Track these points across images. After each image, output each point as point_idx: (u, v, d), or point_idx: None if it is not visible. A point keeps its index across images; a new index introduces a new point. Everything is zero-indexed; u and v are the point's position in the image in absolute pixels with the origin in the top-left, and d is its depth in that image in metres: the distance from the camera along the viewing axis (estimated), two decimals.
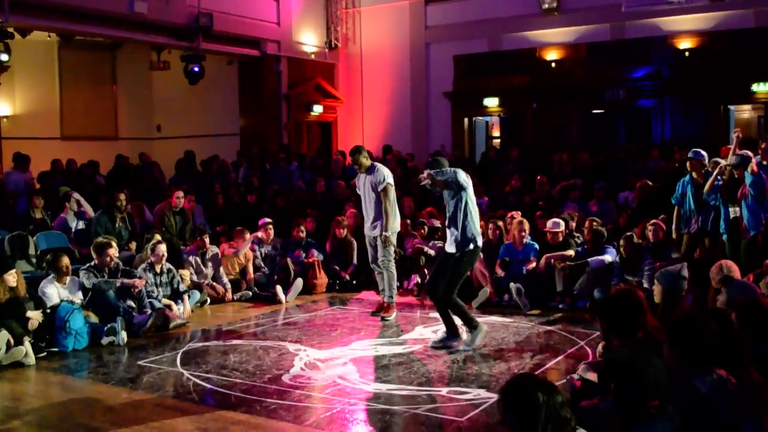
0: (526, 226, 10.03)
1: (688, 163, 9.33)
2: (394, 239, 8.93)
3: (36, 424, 5.59)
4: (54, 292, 8.19)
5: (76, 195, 11.29)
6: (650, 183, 11.04)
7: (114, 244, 8.92)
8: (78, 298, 8.37)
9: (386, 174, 8.75)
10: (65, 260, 8.43)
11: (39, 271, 9.52)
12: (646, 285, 8.53)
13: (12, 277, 7.60)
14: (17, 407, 6.03)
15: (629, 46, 16.03)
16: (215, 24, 15.68)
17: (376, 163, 9.01)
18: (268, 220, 11.28)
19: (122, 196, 10.73)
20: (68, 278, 8.46)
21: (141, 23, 14.95)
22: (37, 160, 13.88)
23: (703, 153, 9.30)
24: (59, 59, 17.92)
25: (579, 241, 10.01)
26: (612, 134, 16.64)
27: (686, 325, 3.82)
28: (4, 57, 13.86)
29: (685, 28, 15.41)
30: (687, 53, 15.33)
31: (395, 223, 8.87)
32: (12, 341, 7.11)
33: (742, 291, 5.67)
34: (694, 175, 9.19)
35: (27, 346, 7.18)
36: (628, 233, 9.40)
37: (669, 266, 6.42)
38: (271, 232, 11.14)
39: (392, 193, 8.79)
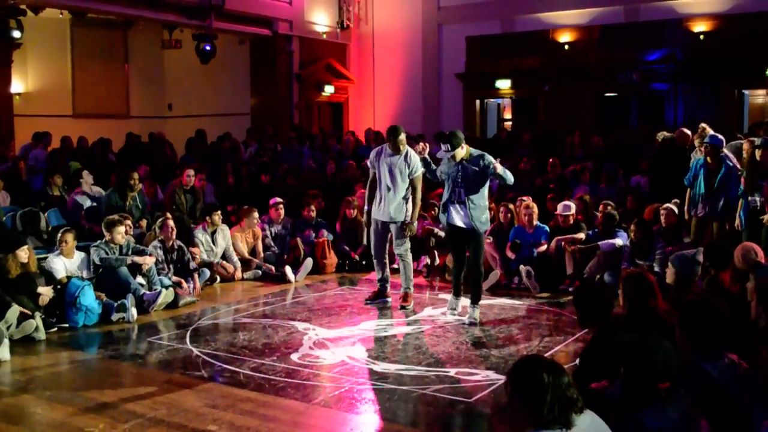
0: (535, 209, 9.98)
1: (705, 147, 9.11)
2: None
3: (46, 398, 5.62)
4: (61, 266, 8.27)
5: (89, 178, 11.36)
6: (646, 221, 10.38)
7: (127, 221, 8.99)
8: (86, 273, 8.41)
9: (419, 161, 8.30)
10: (68, 236, 8.48)
11: (50, 248, 9.57)
12: (657, 269, 8.48)
13: (24, 253, 7.62)
14: (28, 381, 6.06)
15: (643, 29, 15.89)
16: (227, 3, 15.66)
17: (409, 148, 8.51)
18: (279, 199, 11.27)
19: (135, 175, 10.74)
20: (75, 253, 8.52)
21: (153, 1, 14.96)
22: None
23: (721, 138, 9.13)
24: (71, 37, 17.95)
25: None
26: (625, 117, 16.54)
27: (698, 308, 3.80)
28: (17, 34, 13.90)
29: (700, 11, 15.27)
30: (701, 36, 15.20)
31: (415, 221, 8.59)
32: (28, 313, 7.15)
33: None
34: (708, 159, 9.05)
35: (38, 320, 7.21)
36: (641, 217, 9.34)
37: (682, 250, 6.41)
38: (282, 211, 11.14)
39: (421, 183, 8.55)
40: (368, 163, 8.68)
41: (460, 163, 7.61)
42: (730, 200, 8.87)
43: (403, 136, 8.32)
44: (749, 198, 8.56)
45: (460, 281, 8.06)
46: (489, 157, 7.62)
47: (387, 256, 8.72)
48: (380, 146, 8.71)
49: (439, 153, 7.70)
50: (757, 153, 8.50)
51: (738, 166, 8.96)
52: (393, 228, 8.46)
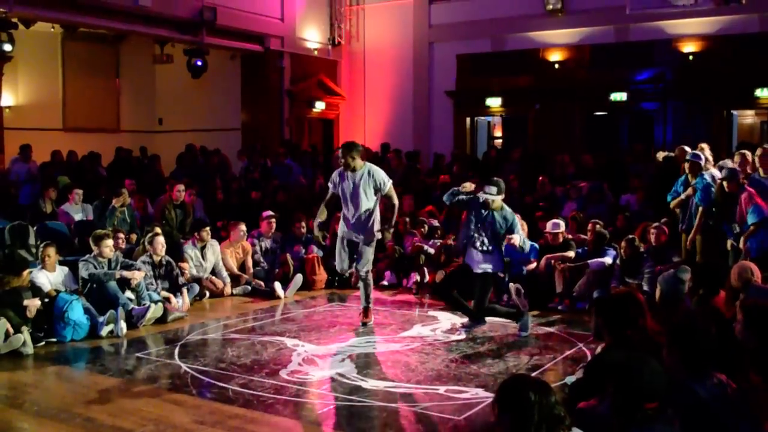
0: (524, 227, 10.01)
1: (686, 165, 9.13)
2: (374, 245, 8.46)
3: (33, 413, 5.59)
4: (45, 280, 8.27)
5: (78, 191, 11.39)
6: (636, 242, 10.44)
7: (120, 235, 9.11)
8: (69, 287, 8.42)
9: (384, 175, 8.28)
10: (50, 250, 8.49)
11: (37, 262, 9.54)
12: (646, 288, 8.53)
13: (27, 274, 7.79)
14: (15, 396, 6.03)
15: (633, 49, 16.00)
16: (219, 18, 15.68)
17: (369, 164, 8.42)
18: (272, 213, 11.28)
19: (124, 190, 10.77)
20: (57, 267, 8.53)
21: (145, 16, 14.95)
22: (40, 150, 13.92)
23: (702, 156, 9.16)
24: (63, 51, 17.91)
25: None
26: (614, 136, 16.62)
27: (686, 328, 3.82)
28: (8, 47, 13.89)
29: (689, 32, 15.39)
30: (691, 57, 15.31)
31: (377, 225, 8.36)
32: (11, 330, 7.12)
33: (761, 296, 5.59)
34: (690, 177, 9.05)
35: (26, 335, 7.19)
36: (630, 236, 9.38)
37: (670, 269, 6.43)
38: (274, 224, 11.15)
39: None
40: (330, 183, 8.50)
41: (493, 213, 7.75)
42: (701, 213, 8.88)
43: (356, 153, 8.16)
44: (726, 227, 8.61)
45: (461, 301, 8.12)
46: (516, 223, 7.86)
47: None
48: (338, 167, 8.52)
49: (481, 194, 7.78)
50: (725, 184, 8.56)
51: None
52: (359, 247, 8.31)
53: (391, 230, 8.49)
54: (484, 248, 7.76)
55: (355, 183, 8.17)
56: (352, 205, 8.20)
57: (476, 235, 7.78)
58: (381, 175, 8.21)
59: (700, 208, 8.80)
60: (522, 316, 8.02)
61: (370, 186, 8.16)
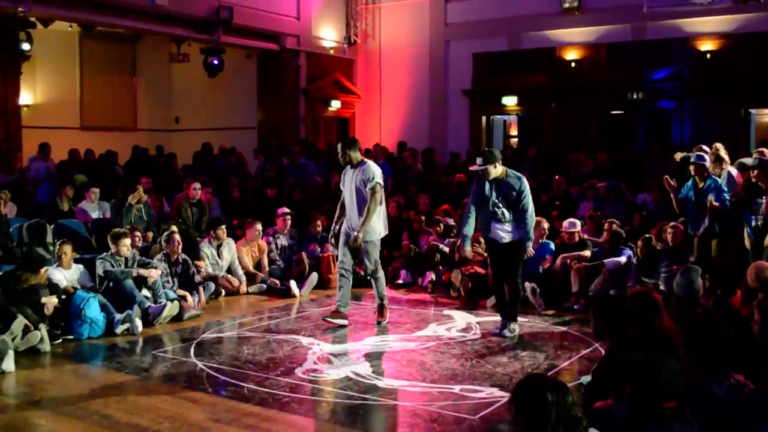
0: (545, 225, 10.05)
1: (691, 167, 8.87)
2: (375, 244, 8.27)
3: (51, 410, 5.63)
4: (61, 277, 8.32)
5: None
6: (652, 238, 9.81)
7: (136, 233, 9.18)
8: (85, 284, 8.48)
9: (376, 172, 8.12)
10: (66, 247, 8.55)
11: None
12: (662, 287, 8.48)
13: (45, 271, 7.86)
14: (32, 393, 6.07)
15: (650, 47, 15.90)
16: (235, 17, 15.72)
17: (366, 159, 8.39)
18: (287, 210, 11.29)
19: (140, 187, 10.83)
20: (73, 265, 8.59)
21: (162, 15, 15.02)
22: (57, 149, 14.02)
23: (707, 157, 9.03)
24: (80, 50, 18.01)
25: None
26: (631, 135, 16.53)
27: (703, 329, 3.79)
28: (26, 46, 14.00)
29: (707, 30, 15.28)
30: (708, 55, 15.20)
31: (377, 225, 8.20)
32: (31, 326, 7.17)
33: None
34: (697, 179, 8.79)
35: (43, 332, 7.23)
36: (647, 235, 9.32)
37: (684, 270, 6.37)
38: (289, 221, 11.17)
39: (380, 194, 8.15)
40: (340, 184, 8.53)
41: (499, 182, 7.72)
42: (716, 215, 8.75)
43: (353, 148, 8.15)
44: (748, 216, 8.51)
45: (505, 300, 8.04)
46: (525, 188, 7.79)
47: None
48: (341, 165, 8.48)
49: (471, 167, 7.79)
50: (752, 174, 8.45)
51: (734, 183, 8.88)
52: (361, 245, 8.19)
53: (360, 236, 8.05)
54: (505, 218, 7.73)
55: (352, 179, 8.15)
56: (350, 201, 8.19)
57: (494, 209, 7.75)
58: (372, 170, 8.07)
59: (713, 208, 8.64)
60: (513, 322, 7.93)
61: (363, 181, 8.07)
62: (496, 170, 7.70)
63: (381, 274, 8.50)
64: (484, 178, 7.73)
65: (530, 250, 7.98)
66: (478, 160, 7.74)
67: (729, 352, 3.67)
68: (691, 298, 5.76)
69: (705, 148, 9.78)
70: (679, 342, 3.90)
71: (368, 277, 8.50)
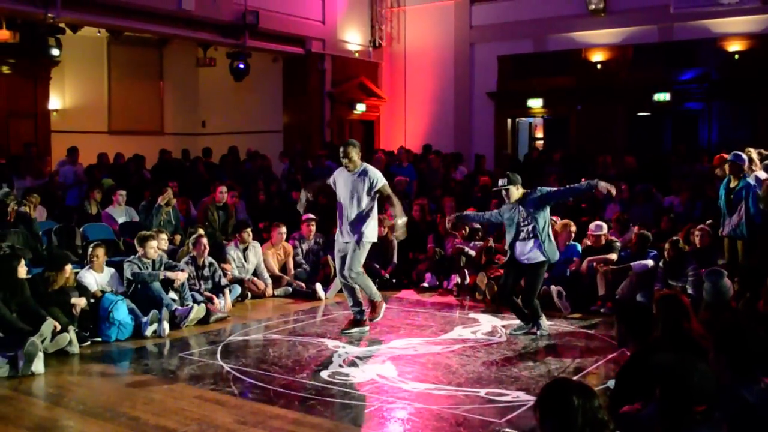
0: (573, 228, 10.01)
1: (727, 166, 8.91)
2: (368, 246, 8.06)
3: (79, 412, 5.68)
4: (92, 280, 8.38)
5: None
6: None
7: (163, 236, 9.21)
8: (116, 288, 8.54)
9: (378, 175, 7.98)
10: (99, 250, 8.61)
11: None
12: (690, 290, 8.40)
13: (70, 269, 7.91)
14: (61, 395, 6.14)
15: (677, 48, 15.79)
16: (261, 22, 15.82)
17: (366, 164, 8.17)
18: (312, 215, 11.31)
19: (168, 189, 10.93)
20: (105, 268, 8.65)
21: (188, 20, 15.15)
22: (85, 153, 14.16)
23: (744, 157, 8.98)
24: (108, 55, 18.22)
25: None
26: (658, 137, 16.41)
27: (733, 332, 3.75)
28: (56, 52, 14.21)
29: (734, 31, 15.13)
30: (736, 56, 15.05)
31: (375, 228, 8.11)
32: (58, 326, 7.23)
33: None
34: (731, 178, 8.87)
35: (72, 334, 7.30)
36: (674, 237, 9.24)
37: (710, 273, 6.31)
38: (313, 227, 11.20)
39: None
40: (330, 182, 8.34)
41: (523, 202, 7.86)
42: (750, 219, 8.68)
43: (355, 151, 7.99)
44: None
45: (520, 308, 8.09)
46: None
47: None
48: (341, 166, 8.23)
49: (494, 188, 7.99)
50: None
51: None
52: (349, 248, 8.01)
53: (402, 222, 8.12)
54: (529, 237, 7.82)
55: (350, 182, 8.01)
56: (346, 205, 8.02)
57: (520, 229, 7.86)
58: (375, 174, 8.00)
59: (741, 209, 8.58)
60: (539, 318, 8.03)
61: (364, 186, 7.94)
62: (518, 192, 7.88)
63: (362, 279, 8.13)
64: (507, 199, 7.95)
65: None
66: (501, 181, 7.98)
67: (759, 355, 3.63)
68: (721, 301, 5.70)
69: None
70: (708, 346, 3.86)
71: (343, 278, 8.15)
